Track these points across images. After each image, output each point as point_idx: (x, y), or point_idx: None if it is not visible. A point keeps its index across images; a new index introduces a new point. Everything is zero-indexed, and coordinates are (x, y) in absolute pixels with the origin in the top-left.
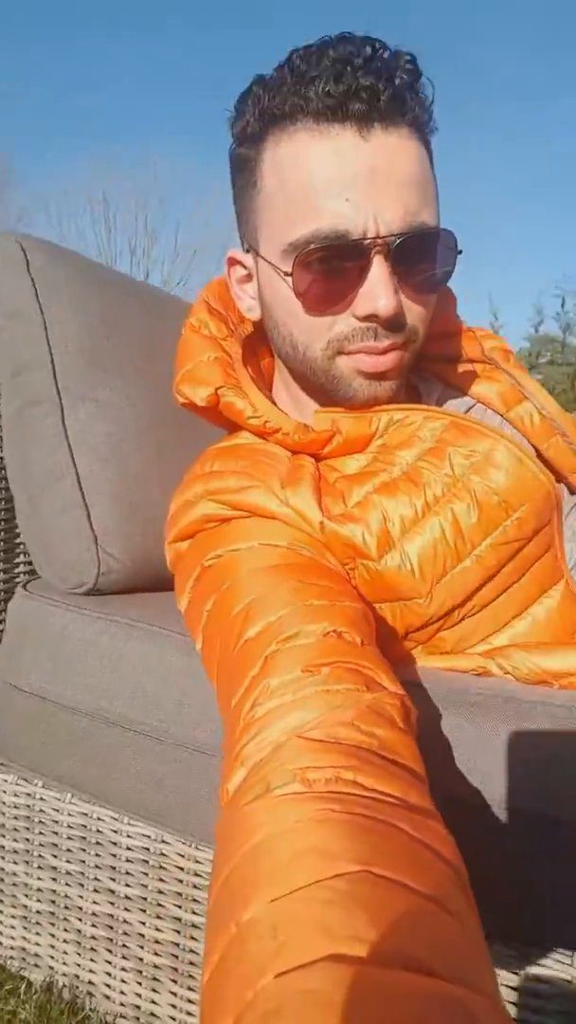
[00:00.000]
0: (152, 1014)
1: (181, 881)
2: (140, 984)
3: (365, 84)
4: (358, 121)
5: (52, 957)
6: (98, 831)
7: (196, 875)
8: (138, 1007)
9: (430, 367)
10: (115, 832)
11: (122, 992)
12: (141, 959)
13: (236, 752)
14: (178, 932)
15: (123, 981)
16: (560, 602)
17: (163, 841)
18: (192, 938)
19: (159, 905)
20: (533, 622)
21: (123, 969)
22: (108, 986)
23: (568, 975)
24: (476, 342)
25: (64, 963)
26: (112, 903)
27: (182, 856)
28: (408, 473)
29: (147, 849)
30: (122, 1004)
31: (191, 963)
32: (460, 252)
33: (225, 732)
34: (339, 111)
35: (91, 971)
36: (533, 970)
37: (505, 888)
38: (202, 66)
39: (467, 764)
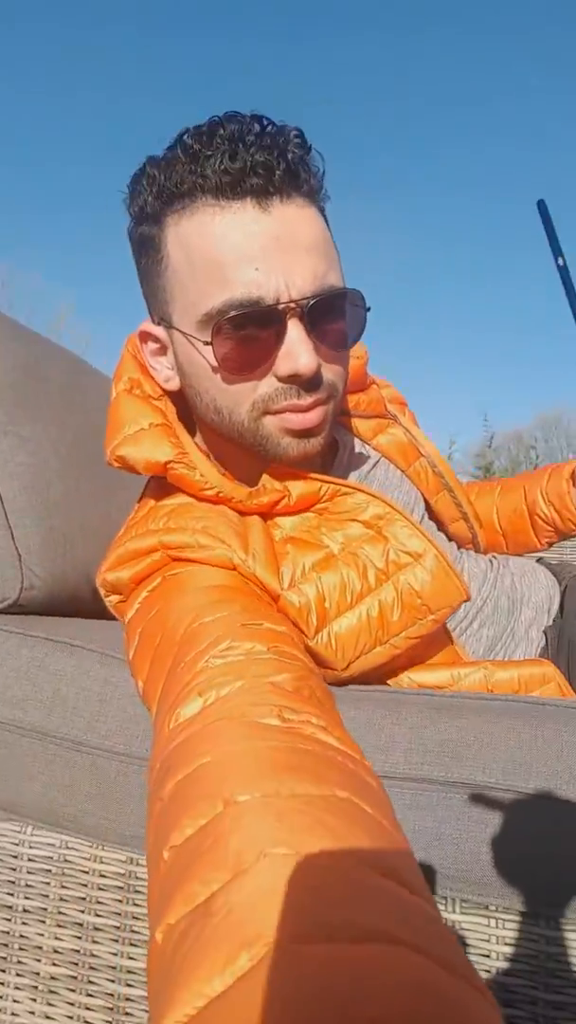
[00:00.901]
0: None
1: (85, 885)
2: (35, 1000)
3: (259, 160)
4: (256, 195)
5: None
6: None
7: (101, 876)
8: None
9: (342, 419)
10: (16, 845)
11: (14, 1014)
12: (37, 973)
13: (187, 685)
14: (79, 938)
15: (15, 1001)
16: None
17: (67, 847)
18: (94, 941)
19: (60, 913)
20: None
21: (16, 988)
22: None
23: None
24: (381, 397)
25: None
26: (8, 919)
27: (87, 859)
28: (350, 553)
29: (50, 857)
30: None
31: (91, 968)
32: (368, 309)
33: (161, 704)
34: (237, 187)
35: None
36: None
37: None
38: None
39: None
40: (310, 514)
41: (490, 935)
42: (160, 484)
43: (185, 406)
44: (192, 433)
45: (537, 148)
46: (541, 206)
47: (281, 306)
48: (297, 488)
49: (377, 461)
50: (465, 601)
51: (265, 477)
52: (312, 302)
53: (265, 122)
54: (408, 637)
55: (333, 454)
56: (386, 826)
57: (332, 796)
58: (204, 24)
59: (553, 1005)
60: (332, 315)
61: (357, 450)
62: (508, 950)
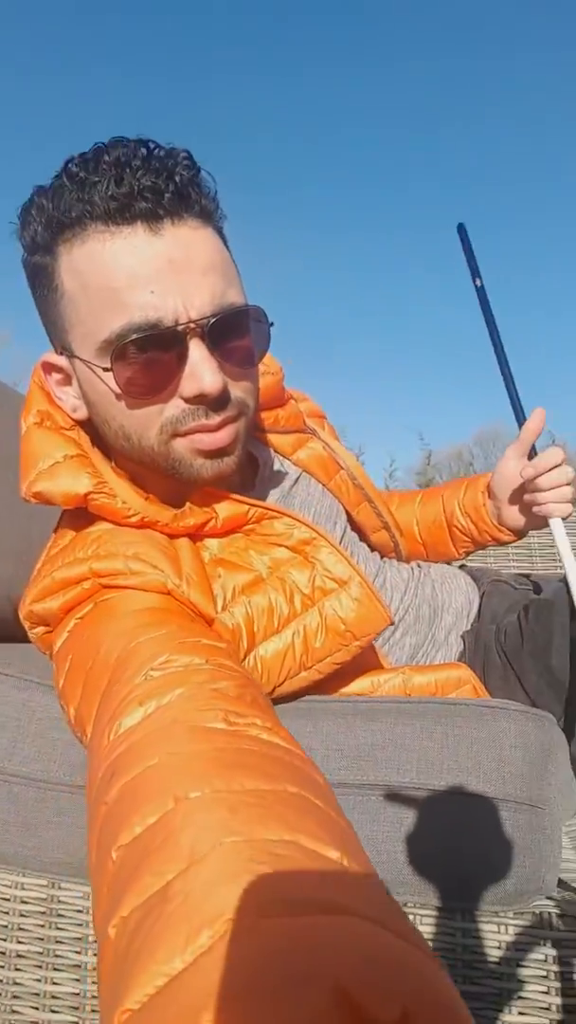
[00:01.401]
0: None
1: (7, 913)
2: None
3: (147, 183)
4: (146, 219)
5: None
6: None
7: (23, 903)
8: None
9: (259, 435)
10: None
11: None
12: None
13: (125, 698)
14: (1, 967)
15: None
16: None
17: None
18: (17, 969)
19: None
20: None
21: None
22: None
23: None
24: (299, 411)
25: None
26: None
27: (8, 887)
28: (277, 578)
29: None
30: None
31: (14, 996)
32: (272, 324)
33: (98, 721)
34: (126, 212)
35: None
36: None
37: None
38: None
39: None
40: (238, 535)
41: None
42: (78, 512)
43: (98, 433)
44: (110, 459)
45: (461, 175)
46: (461, 230)
47: (180, 327)
48: (224, 510)
49: (298, 477)
50: (389, 625)
51: (192, 499)
52: (212, 321)
53: (152, 146)
54: (333, 663)
55: (254, 471)
56: (335, 817)
57: (283, 791)
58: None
59: (471, 996)
60: (235, 333)
61: (277, 467)
62: (425, 940)
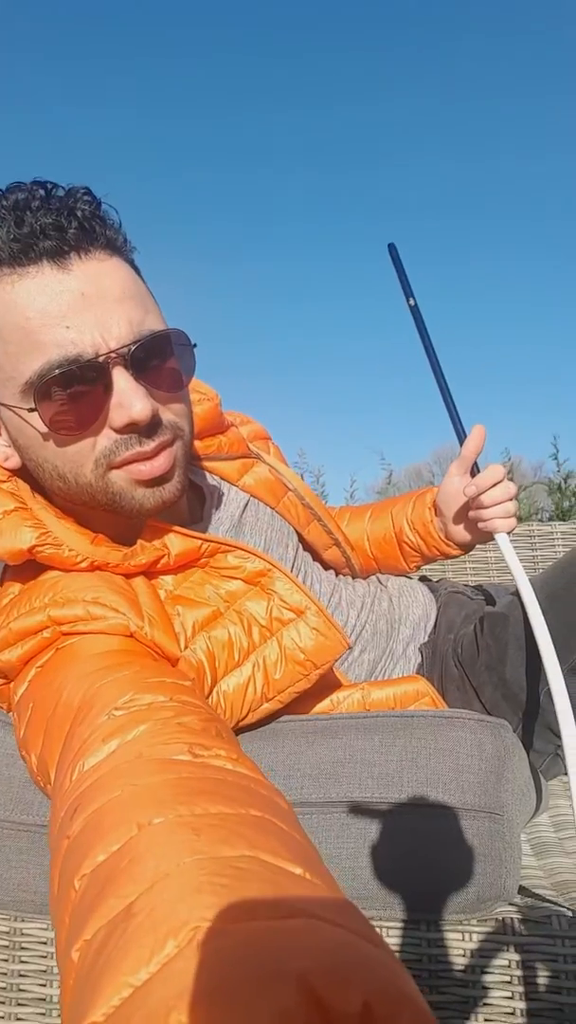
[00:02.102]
0: None
1: None
2: None
3: (48, 221)
4: (51, 256)
5: None
6: None
7: None
8: None
9: (203, 464)
10: None
11: None
12: None
13: (89, 738)
14: None
15: None
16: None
17: None
18: None
19: None
20: None
21: None
22: None
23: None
24: (241, 436)
25: None
26: None
27: None
28: (234, 611)
29: None
30: None
31: None
32: (195, 346)
33: (61, 763)
34: (30, 251)
35: None
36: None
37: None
38: None
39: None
40: (192, 569)
41: None
42: (26, 562)
43: (35, 480)
44: (52, 504)
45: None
46: (392, 249)
47: (102, 358)
48: (176, 546)
49: (246, 503)
50: (347, 650)
51: (142, 536)
52: (133, 348)
53: (49, 186)
54: (293, 692)
55: (201, 502)
56: (298, 838)
57: (246, 814)
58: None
59: (438, 1005)
60: (159, 358)
61: (225, 494)
62: (385, 941)
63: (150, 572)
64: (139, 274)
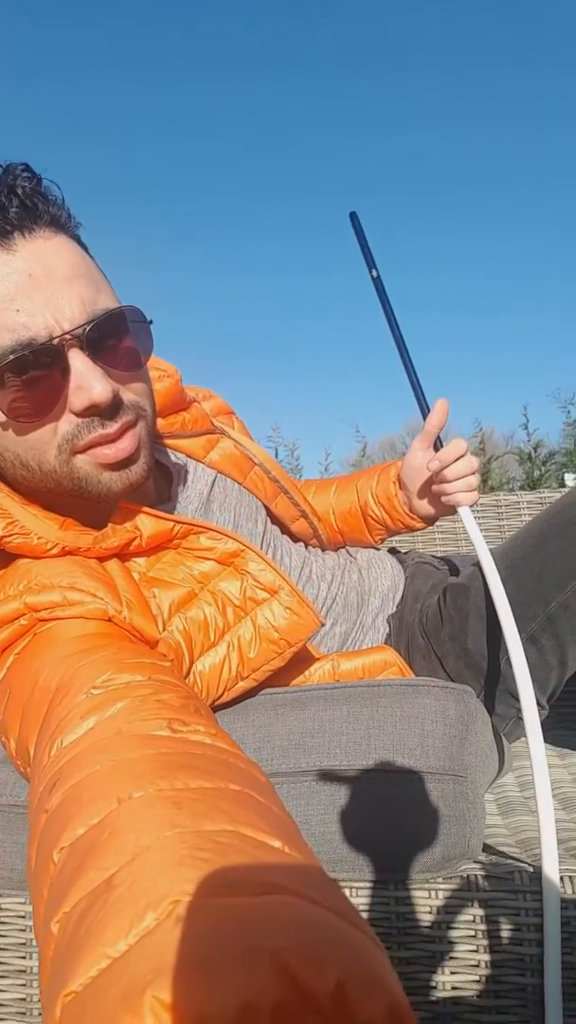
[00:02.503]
0: None
1: None
2: None
3: None
4: None
5: None
6: None
7: None
8: None
9: (167, 442)
10: None
11: None
12: None
13: (66, 716)
14: None
15: None
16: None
17: None
18: None
19: None
20: None
21: None
22: None
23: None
24: (204, 412)
25: None
26: None
27: None
28: (209, 591)
29: None
30: None
31: None
32: (151, 322)
33: (39, 743)
34: None
35: None
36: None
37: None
38: None
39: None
40: (169, 551)
41: None
42: None
43: None
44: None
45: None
46: (353, 218)
47: (56, 340)
48: (147, 527)
49: (214, 479)
50: (320, 627)
51: (113, 519)
52: (88, 328)
53: None
54: (268, 670)
55: (168, 481)
56: (277, 812)
57: (226, 788)
58: None
59: (406, 960)
60: (115, 337)
61: (192, 472)
62: (363, 918)
63: (123, 555)
64: (87, 251)
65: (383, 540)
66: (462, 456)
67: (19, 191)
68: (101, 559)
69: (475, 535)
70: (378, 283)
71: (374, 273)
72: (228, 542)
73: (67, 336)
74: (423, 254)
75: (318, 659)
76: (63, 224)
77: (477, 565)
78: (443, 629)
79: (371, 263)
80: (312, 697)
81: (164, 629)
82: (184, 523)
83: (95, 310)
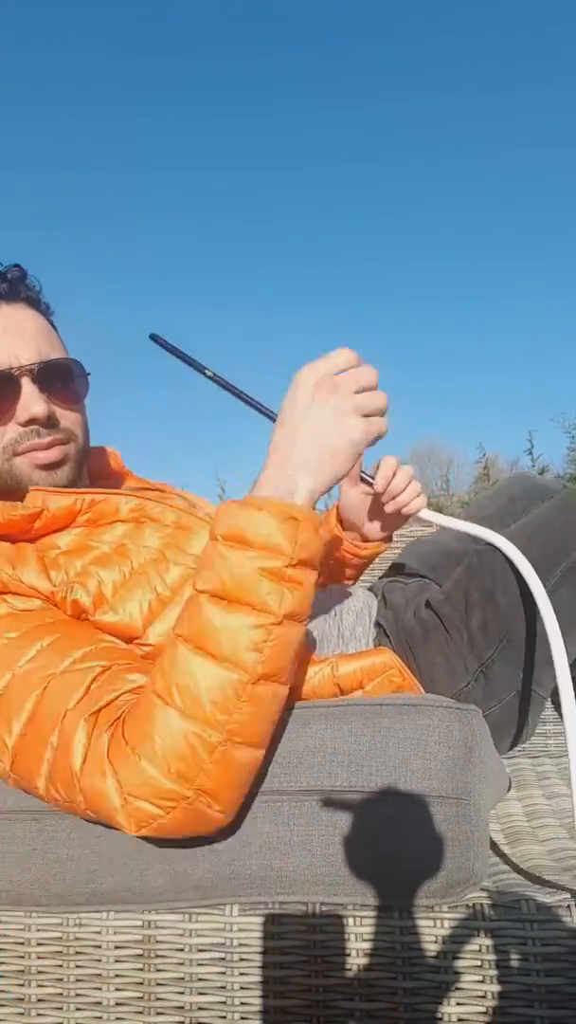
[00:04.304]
0: None
1: (22, 957)
2: None
3: None
4: None
5: None
6: None
7: (39, 944)
8: None
9: (108, 482)
10: None
11: None
12: None
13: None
14: (21, 1015)
15: None
16: None
17: None
18: (39, 1015)
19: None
20: None
21: None
22: None
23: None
24: (140, 480)
25: None
26: None
27: (21, 929)
28: (117, 548)
29: None
30: None
31: None
32: (89, 374)
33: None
34: None
35: None
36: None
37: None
38: None
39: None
40: (82, 529)
41: (349, 933)
42: None
43: None
44: None
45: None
46: (156, 339)
47: (14, 371)
48: (53, 503)
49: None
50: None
51: (29, 494)
52: (38, 366)
53: None
54: (184, 580)
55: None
56: None
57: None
58: None
59: (412, 992)
60: (60, 378)
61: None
62: (367, 945)
63: (36, 536)
64: (52, 326)
65: (356, 578)
66: (396, 470)
67: (9, 276)
68: (14, 541)
69: (449, 521)
70: (218, 379)
71: (209, 373)
72: (129, 500)
73: (23, 368)
74: (425, 279)
75: (317, 662)
76: (35, 303)
77: (481, 548)
78: (471, 585)
79: (199, 368)
80: (314, 714)
81: (71, 585)
82: (85, 493)
83: (48, 358)
